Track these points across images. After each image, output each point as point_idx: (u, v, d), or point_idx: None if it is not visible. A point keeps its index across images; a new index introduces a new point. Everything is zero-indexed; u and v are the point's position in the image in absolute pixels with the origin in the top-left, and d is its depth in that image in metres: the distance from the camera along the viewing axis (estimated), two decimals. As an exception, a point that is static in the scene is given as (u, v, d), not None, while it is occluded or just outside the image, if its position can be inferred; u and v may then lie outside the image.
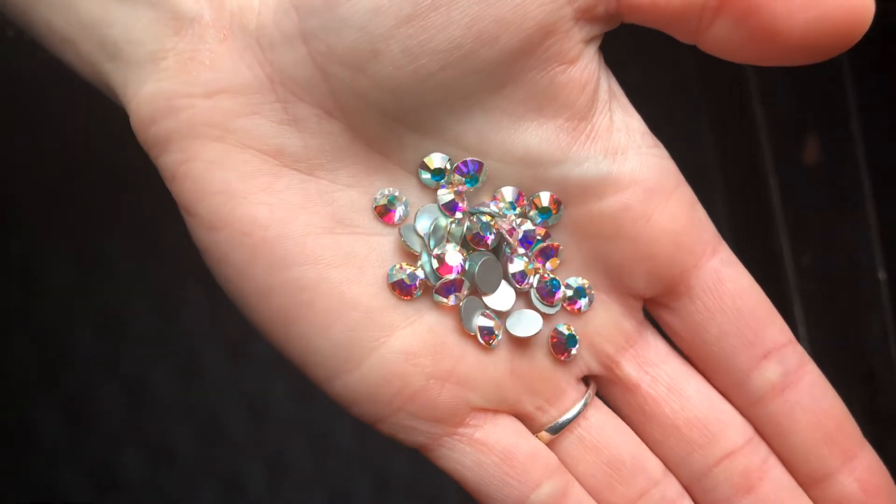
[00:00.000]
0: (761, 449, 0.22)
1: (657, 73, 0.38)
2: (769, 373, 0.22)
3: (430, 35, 0.19)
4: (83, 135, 0.35)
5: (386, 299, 0.21)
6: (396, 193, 0.21)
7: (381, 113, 0.20)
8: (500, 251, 0.22)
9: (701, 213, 0.22)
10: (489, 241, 0.21)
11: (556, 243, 0.22)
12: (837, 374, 0.38)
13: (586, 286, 0.22)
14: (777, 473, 0.22)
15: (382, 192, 0.21)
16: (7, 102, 0.35)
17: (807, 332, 0.38)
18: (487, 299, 0.21)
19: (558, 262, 0.22)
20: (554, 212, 0.21)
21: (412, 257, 0.21)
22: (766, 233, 0.38)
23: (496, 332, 0.21)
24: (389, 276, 0.21)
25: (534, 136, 0.20)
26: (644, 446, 0.22)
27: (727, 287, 0.21)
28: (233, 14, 0.20)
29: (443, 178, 0.21)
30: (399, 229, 0.21)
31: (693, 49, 0.20)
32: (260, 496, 0.40)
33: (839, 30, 0.18)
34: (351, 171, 0.21)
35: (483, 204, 0.21)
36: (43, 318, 0.38)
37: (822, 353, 0.37)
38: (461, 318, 0.21)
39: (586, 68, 0.20)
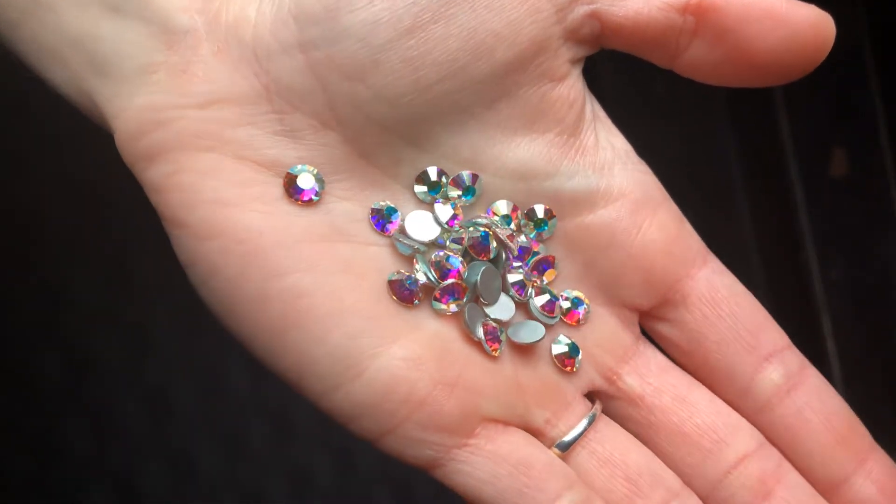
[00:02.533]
0: (774, 453, 0.22)
1: (683, 85, 0.37)
2: (773, 375, 0.22)
3: (429, 47, 0.19)
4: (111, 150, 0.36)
5: (387, 307, 0.21)
6: (392, 205, 0.21)
7: (378, 125, 0.20)
8: (499, 262, 0.22)
9: (688, 227, 0.22)
10: (490, 250, 0.21)
11: (551, 255, 0.22)
12: (868, 391, 0.37)
13: (582, 297, 0.22)
14: (793, 478, 0.22)
15: (378, 203, 0.21)
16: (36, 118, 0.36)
17: (836, 347, 0.37)
18: (489, 309, 0.21)
19: (555, 273, 0.22)
20: (548, 223, 0.22)
21: (409, 262, 0.21)
22: (794, 246, 0.37)
23: (501, 339, 0.21)
24: (389, 282, 0.21)
25: (526, 150, 0.21)
26: (658, 460, 0.22)
27: (722, 294, 0.22)
28: (228, 26, 0.20)
29: (438, 191, 0.21)
30: (392, 234, 0.21)
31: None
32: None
33: (806, 49, 0.20)
34: (346, 185, 0.21)
35: (479, 216, 0.22)
36: (69, 331, 0.38)
37: (852, 369, 0.37)
38: (465, 325, 0.21)
39: (573, 87, 0.21)
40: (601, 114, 0.22)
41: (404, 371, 0.20)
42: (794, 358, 0.22)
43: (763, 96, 0.36)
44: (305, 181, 0.20)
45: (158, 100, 0.20)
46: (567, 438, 0.21)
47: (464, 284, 0.21)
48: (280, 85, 0.20)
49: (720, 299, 0.22)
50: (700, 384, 0.22)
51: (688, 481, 0.22)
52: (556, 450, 0.21)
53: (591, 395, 0.22)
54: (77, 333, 0.39)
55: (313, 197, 0.20)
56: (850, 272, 0.37)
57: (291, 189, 0.20)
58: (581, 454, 0.21)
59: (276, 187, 0.20)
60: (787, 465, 0.22)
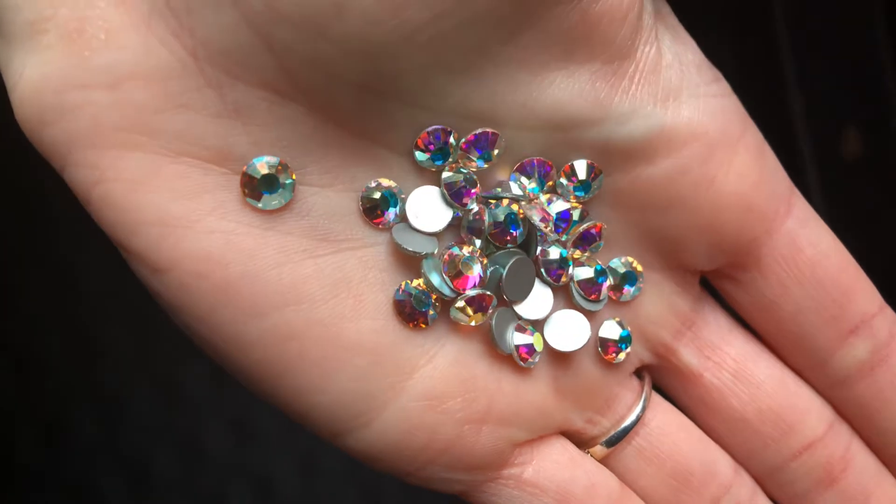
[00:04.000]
0: (843, 434, 0.19)
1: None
2: (857, 351, 0.19)
3: None
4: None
5: (395, 332, 0.17)
6: (389, 185, 0.17)
7: (354, 86, 0.15)
8: (530, 245, 0.18)
9: (771, 161, 0.18)
10: (516, 236, 0.17)
11: (598, 224, 0.18)
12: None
13: (634, 266, 0.18)
14: (861, 460, 0.19)
15: (369, 185, 0.16)
16: None
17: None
18: (519, 308, 0.18)
19: (601, 245, 0.18)
20: (592, 184, 0.17)
21: (417, 265, 0.17)
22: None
23: (536, 349, 0.18)
24: (394, 302, 0.17)
25: (563, 89, 0.16)
26: (711, 444, 0.19)
27: (805, 254, 0.18)
28: None
29: (446, 157, 0.17)
30: (391, 231, 0.17)
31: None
32: (292, 494, 0.40)
33: None
34: (323, 166, 0.16)
35: (502, 186, 0.17)
36: (78, 320, 0.39)
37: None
38: (492, 338, 0.17)
39: None
40: (664, 9, 0.17)
41: (424, 414, 0.17)
42: (885, 324, 0.19)
43: (774, 72, 0.36)
44: (269, 181, 0.16)
45: (55, 75, 0.15)
46: (613, 435, 0.19)
47: (489, 294, 0.17)
48: (210, 49, 0.15)
49: (802, 261, 0.18)
50: (766, 352, 0.20)
51: (744, 464, 0.20)
52: (602, 446, 0.19)
53: (641, 371, 0.20)
54: (85, 322, 0.39)
55: (283, 200, 0.16)
56: (862, 256, 0.36)
57: (253, 193, 0.16)
58: (627, 451, 0.19)
59: (233, 190, 0.16)
60: (856, 446, 0.19)
